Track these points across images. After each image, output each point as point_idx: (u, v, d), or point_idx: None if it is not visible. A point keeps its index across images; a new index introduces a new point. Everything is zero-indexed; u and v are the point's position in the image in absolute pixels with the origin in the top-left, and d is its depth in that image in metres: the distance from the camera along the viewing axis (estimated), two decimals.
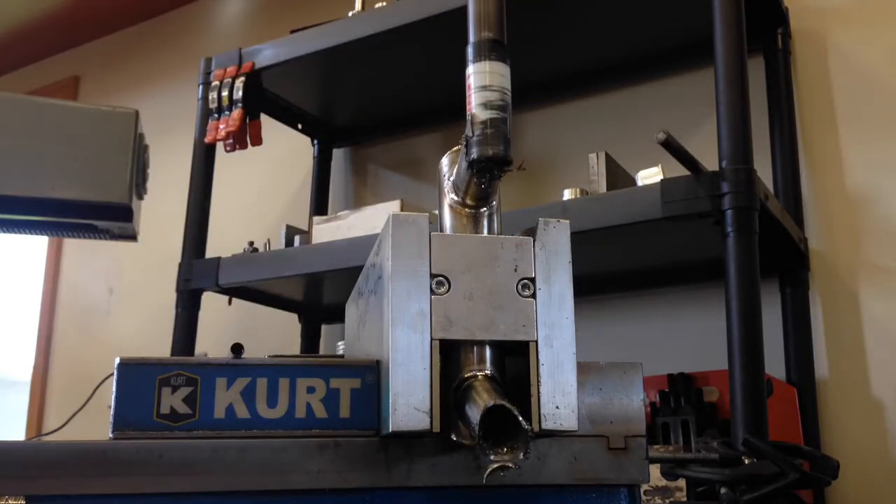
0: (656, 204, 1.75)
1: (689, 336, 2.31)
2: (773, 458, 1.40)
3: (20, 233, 2.14)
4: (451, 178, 0.96)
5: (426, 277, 0.88)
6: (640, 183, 1.92)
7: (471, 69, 0.89)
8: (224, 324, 2.95)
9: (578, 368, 0.89)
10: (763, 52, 2.31)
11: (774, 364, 2.08)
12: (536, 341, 0.88)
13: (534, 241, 0.90)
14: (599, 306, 2.47)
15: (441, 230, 0.98)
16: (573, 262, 0.91)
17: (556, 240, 0.91)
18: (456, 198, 0.96)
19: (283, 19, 3.48)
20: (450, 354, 0.88)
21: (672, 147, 1.66)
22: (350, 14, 2.44)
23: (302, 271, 2.33)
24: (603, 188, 1.97)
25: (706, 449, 1.61)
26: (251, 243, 2.50)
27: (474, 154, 0.86)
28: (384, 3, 2.36)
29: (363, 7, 2.47)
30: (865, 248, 2.15)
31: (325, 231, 2.44)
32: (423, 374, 0.85)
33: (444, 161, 0.99)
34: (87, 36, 4.28)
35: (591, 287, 2.38)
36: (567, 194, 1.96)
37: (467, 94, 0.89)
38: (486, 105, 0.87)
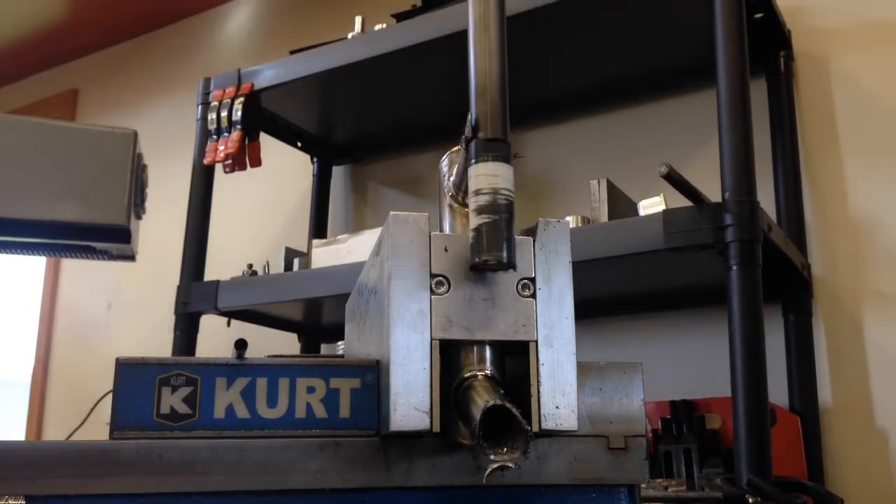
0: (658, 235, 1.75)
1: (690, 361, 2.30)
2: (777, 500, 1.39)
3: (17, 254, 2.14)
4: (451, 179, 0.96)
5: (426, 277, 0.88)
6: (642, 212, 1.92)
7: (472, 170, 0.88)
8: (222, 341, 2.94)
9: (578, 368, 0.89)
10: (765, 75, 2.31)
11: (777, 392, 2.06)
12: (536, 341, 0.89)
13: (533, 241, 0.91)
14: (599, 329, 2.46)
15: (441, 230, 0.99)
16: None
17: (556, 240, 0.91)
18: (456, 198, 0.96)
19: (283, 34, 3.50)
20: (450, 354, 0.88)
21: (674, 180, 1.66)
22: (349, 36, 2.45)
23: (301, 296, 2.33)
24: (605, 216, 1.96)
25: (709, 486, 1.61)
26: (250, 266, 2.50)
27: (475, 259, 0.86)
28: (383, 25, 2.37)
29: (363, 28, 2.48)
30: (869, 274, 2.14)
31: (324, 255, 2.44)
32: (423, 374, 0.86)
33: (444, 161, 0.99)
34: (86, 49, 4.30)
35: (590, 310, 2.38)
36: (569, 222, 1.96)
37: (470, 192, 0.88)
38: (486, 208, 0.87)
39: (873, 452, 2.07)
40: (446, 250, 0.89)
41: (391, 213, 0.88)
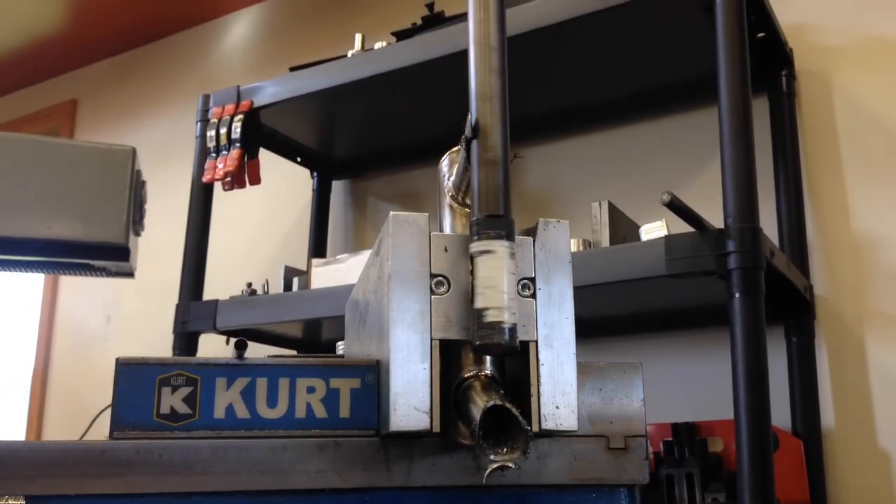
0: (660, 261, 1.73)
1: (692, 382, 2.29)
2: None
3: (16, 271, 2.14)
4: (451, 179, 0.96)
5: (426, 277, 0.88)
6: (643, 237, 1.91)
7: (475, 246, 0.87)
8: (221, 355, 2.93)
9: (578, 368, 0.89)
10: (767, 94, 2.30)
11: (780, 414, 2.04)
12: (536, 341, 0.89)
13: (533, 241, 0.91)
14: (599, 351, 2.45)
15: (441, 230, 0.99)
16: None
17: (556, 240, 0.92)
18: (456, 198, 0.96)
19: (283, 47, 3.50)
20: (450, 354, 0.88)
21: (677, 207, 1.65)
22: (350, 54, 2.45)
23: (300, 317, 2.33)
24: (606, 239, 1.95)
25: None
26: (249, 285, 2.49)
27: (478, 342, 0.85)
28: (383, 43, 2.37)
29: (363, 46, 2.49)
30: (872, 295, 2.12)
31: (324, 274, 2.43)
32: (423, 374, 0.86)
33: (444, 161, 1.00)
34: (86, 59, 4.29)
35: (590, 331, 2.36)
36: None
37: (473, 272, 0.88)
38: (489, 290, 0.86)
39: (876, 475, 2.05)
40: (446, 250, 0.89)
41: (391, 213, 0.89)
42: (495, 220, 0.87)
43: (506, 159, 0.89)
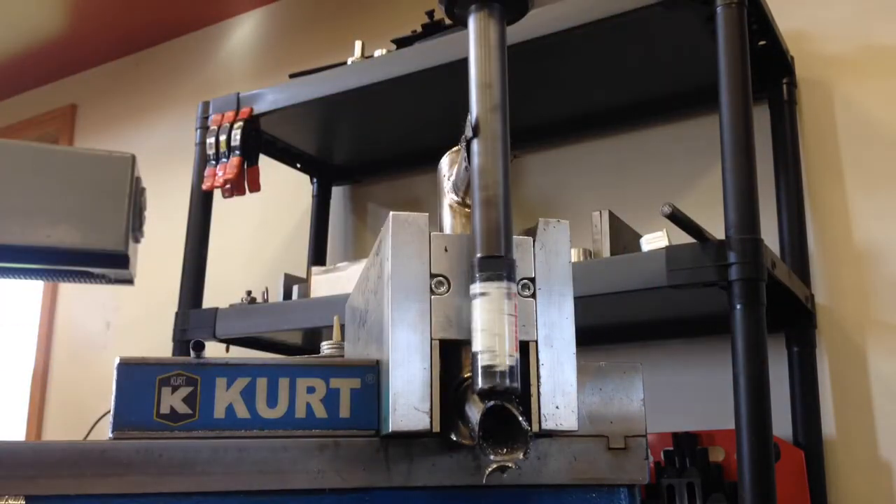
0: (661, 271, 1.73)
1: (693, 391, 2.28)
2: None
3: (13, 279, 2.13)
4: (451, 179, 0.96)
5: (426, 277, 0.88)
6: (644, 247, 1.90)
7: (476, 288, 0.86)
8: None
9: (578, 368, 0.89)
10: (768, 102, 2.30)
11: (781, 424, 2.03)
12: (536, 341, 0.89)
13: (533, 241, 0.91)
14: (600, 359, 2.43)
15: (441, 230, 0.99)
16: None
17: (556, 240, 0.92)
18: (456, 198, 0.97)
19: (282, 52, 3.50)
20: (450, 354, 0.88)
21: (678, 219, 1.65)
22: (350, 61, 2.45)
23: (300, 325, 2.32)
24: (607, 249, 1.95)
25: None
26: (249, 293, 2.49)
27: (479, 385, 0.84)
28: (383, 51, 2.37)
29: (363, 53, 2.49)
30: (873, 304, 2.11)
31: (324, 283, 2.43)
32: (423, 374, 0.86)
33: (444, 161, 1.00)
34: (86, 64, 4.29)
35: (589, 339, 2.35)
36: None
37: (473, 314, 0.86)
38: (490, 331, 0.85)
39: (878, 485, 2.04)
40: (446, 250, 0.89)
41: (391, 213, 0.89)
42: (495, 261, 0.86)
43: (507, 197, 0.89)
